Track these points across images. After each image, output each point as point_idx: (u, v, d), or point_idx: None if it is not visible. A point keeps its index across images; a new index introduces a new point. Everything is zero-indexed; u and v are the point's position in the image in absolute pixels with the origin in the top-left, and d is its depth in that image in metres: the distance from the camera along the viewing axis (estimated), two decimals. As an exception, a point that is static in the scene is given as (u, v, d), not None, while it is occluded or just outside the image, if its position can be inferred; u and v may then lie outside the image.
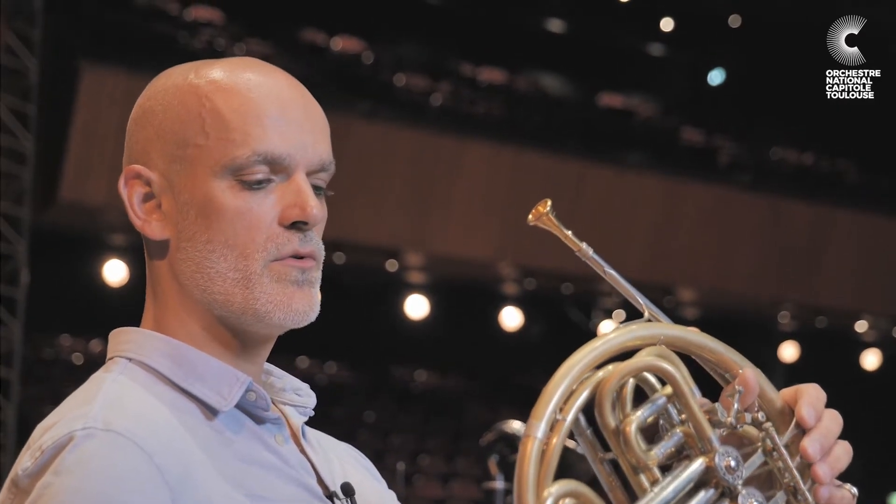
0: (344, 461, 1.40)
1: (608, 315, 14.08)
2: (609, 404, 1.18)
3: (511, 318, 13.95)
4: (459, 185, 11.59)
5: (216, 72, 1.30)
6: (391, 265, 12.78)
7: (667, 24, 15.00)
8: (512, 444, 3.22)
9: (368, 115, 11.38)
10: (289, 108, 1.29)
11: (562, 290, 12.62)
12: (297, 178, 1.28)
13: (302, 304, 1.27)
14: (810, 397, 1.23)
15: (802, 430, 1.22)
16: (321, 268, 1.31)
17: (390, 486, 1.45)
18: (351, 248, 11.90)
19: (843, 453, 1.22)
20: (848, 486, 1.23)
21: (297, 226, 1.27)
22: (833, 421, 1.23)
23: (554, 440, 1.14)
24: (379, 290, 13.45)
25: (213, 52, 11.39)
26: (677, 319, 1.30)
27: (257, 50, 11.78)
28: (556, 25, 14.80)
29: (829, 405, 1.25)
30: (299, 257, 1.27)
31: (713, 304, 13.70)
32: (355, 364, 13.86)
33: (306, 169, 1.28)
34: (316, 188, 1.30)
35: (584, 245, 1.25)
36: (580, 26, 14.64)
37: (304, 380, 1.38)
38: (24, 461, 1.20)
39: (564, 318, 13.45)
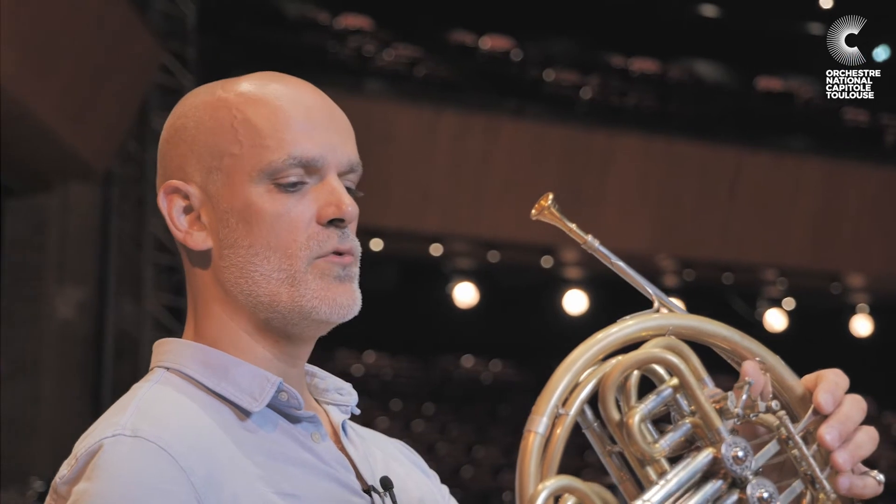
0: (390, 456, 1.42)
1: (775, 304, 13.71)
2: (612, 397, 1.17)
3: (673, 310, 13.71)
4: (612, 179, 11.48)
5: (243, 85, 1.35)
6: (546, 262, 12.75)
7: (826, 1, 14.52)
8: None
9: (517, 112, 11.38)
10: (315, 112, 1.34)
11: (723, 280, 12.37)
12: (330, 179, 1.33)
13: (345, 299, 1.31)
14: (829, 383, 1.19)
15: (823, 417, 1.18)
16: (359, 263, 1.35)
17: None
18: (505, 247, 11.92)
19: (867, 440, 1.17)
20: (874, 472, 1.18)
21: (335, 223, 1.32)
22: (854, 406, 1.18)
23: (557, 434, 1.13)
24: (536, 287, 13.43)
25: (361, 60, 11.58)
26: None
27: (406, 54, 11.92)
28: (709, 10, 14.50)
29: None
30: (339, 254, 1.32)
31: (884, 290, 13.20)
32: (520, 362, 13.87)
33: (337, 170, 1.34)
34: (346, 189, 1.34)
35: (588, 237, 1.25)
36: (734, 10, 14.31)
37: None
38: (62, 469, 1.27)
39: (728, 309, 13.16)
